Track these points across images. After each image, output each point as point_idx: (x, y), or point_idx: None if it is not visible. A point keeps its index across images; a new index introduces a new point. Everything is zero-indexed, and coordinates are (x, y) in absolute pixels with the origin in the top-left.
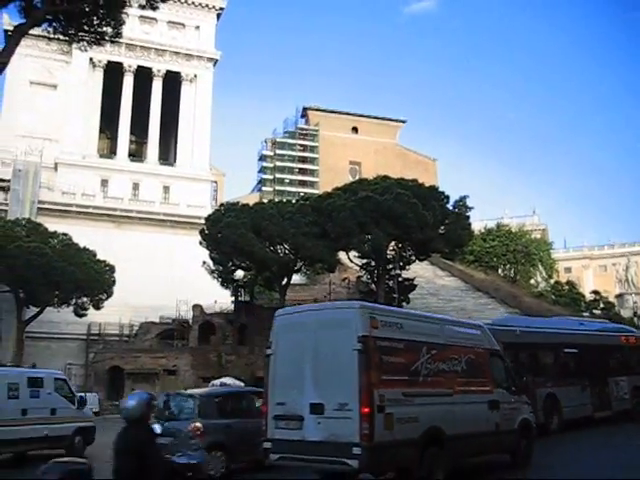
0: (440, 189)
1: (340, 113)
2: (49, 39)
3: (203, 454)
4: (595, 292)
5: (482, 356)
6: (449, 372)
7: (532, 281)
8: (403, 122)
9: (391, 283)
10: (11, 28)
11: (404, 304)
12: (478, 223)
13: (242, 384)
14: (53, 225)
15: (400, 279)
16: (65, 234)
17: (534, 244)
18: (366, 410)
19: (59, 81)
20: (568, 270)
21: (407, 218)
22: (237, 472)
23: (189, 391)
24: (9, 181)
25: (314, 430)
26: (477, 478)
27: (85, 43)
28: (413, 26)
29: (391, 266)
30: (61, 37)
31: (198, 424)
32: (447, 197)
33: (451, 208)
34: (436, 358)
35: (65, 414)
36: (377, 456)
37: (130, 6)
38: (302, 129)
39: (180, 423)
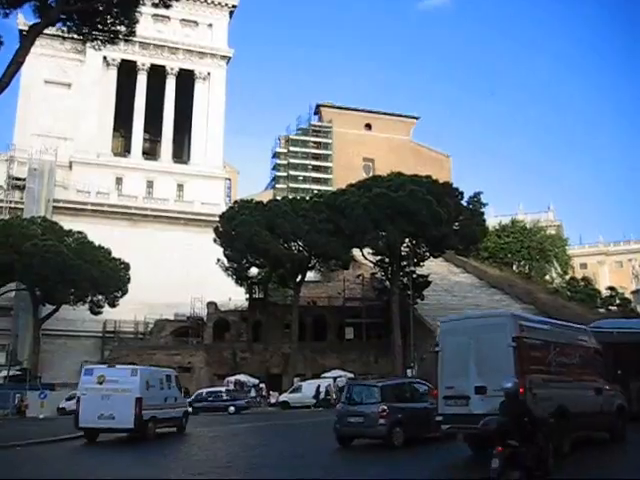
0: (454, 185)
1: (353, 110)
2: (63, 38)
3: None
4: (611, 288)
5: (588, 352)
6: (568, 364)
7: (547, 277)
8: (417, 118)
9: (405, 280)
10: (26, 28)
11: (418, 301)
12: (492, 219)
13: (256, 381)
14: (68, 223)
15: (414, 276)
16: (80, 232)
17: (549, 240)
18: (521, 390)
19: (73, 80)
20: (583, 266)
21: (421, 215)
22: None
23: (368, 382)
24: (25, 180)
25: (479, 406)
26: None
27: (99, 42)
28: (427, 22)
29: (405, 263)
30: (75, 36)
31: (384, 407)
32: (461, 193)
33: (465, 204)
34: (560, 353)
35: (179, 401)
36: None
37: (143, 4)
38: (315, 126)
39: (367, 406)
